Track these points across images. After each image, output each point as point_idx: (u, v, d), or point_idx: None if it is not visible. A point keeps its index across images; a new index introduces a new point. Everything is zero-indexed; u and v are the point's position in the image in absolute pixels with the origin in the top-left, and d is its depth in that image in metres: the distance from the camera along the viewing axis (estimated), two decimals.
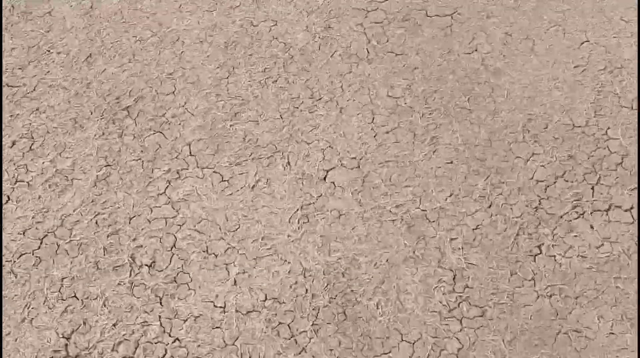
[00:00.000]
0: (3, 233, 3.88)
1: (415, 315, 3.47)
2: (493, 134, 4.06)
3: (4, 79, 4.57)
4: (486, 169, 3.93)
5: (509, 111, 4.13)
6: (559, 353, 3.29)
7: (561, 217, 3.70)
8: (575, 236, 3.64)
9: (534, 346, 3.33)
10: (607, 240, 3.60)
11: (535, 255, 3.60)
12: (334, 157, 4.08)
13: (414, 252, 3.68)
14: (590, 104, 4.08)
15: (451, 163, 3.98)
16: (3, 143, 4.26)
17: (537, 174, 3.88)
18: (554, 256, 3.59)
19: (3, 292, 3.66)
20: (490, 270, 3.58)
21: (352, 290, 3.58)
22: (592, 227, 3.65)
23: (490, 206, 3.81)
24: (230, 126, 4.27)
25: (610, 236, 3.60)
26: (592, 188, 3.78)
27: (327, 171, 4.03)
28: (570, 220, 3.69)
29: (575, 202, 3.74)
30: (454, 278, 3.57)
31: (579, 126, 4.01)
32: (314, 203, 3.92)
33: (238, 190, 4.00)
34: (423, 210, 3.83)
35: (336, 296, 3.57)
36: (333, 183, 3.98)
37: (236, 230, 3.85)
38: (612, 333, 3.33)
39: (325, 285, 3.60)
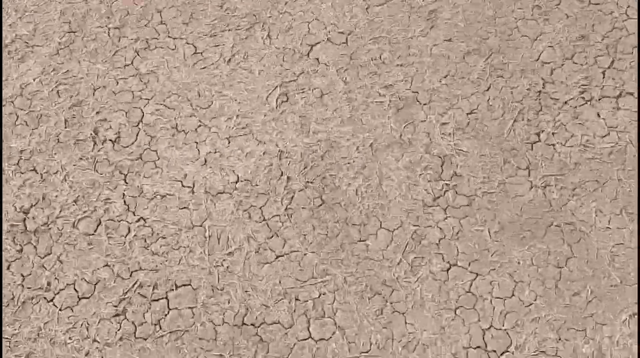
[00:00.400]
0: None
1: (396, 202, 3.21)
2: (499, 9, 3.62)
3: None
4: (487, 48, 3.53)
5: None
6: (549, 247, 3.05)
7: (566, 103, 3.34)
8: (580, 123, 3.29)
9: (521, 238, 3.08)
10: (614, 129, 3.26)
11: (533, 143, 3.28)
12: (320, 31, 3.68)
13: (400, 136, 3.37)
14: None
15: (449, 40, 3.58)
16: None
17: (544, 55, 3.48)
18: (554, 144, 3.26)
19: None
20: (482, 157, 3.27)
21: (331, 175, 3.30)
22: (598, 115, 3.30)
23: (488, 88, 3.44)
24: None
25: (618, 126, 3.26)
26: (603, 73, 3.39)
27: (312, 46, 3.64)
28: (576, 106, 3.33)
29: (583, 87, 3.37)
30: (441, 165, 3.28)
31: (596, 3, 3.55)
32: (295, 80, 3.56)
33: (212, 64, 3.63)
34: (414, 92, 3.48)
35: (313, 180, 3.30)
36: (317, 59, 3.61)
37: (209, 106, 3.52)
38: (609, 228, 3.07)
39: (303, 168, 3.33)
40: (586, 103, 3.33)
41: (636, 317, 2.89)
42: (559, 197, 3.15)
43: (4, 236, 3.22)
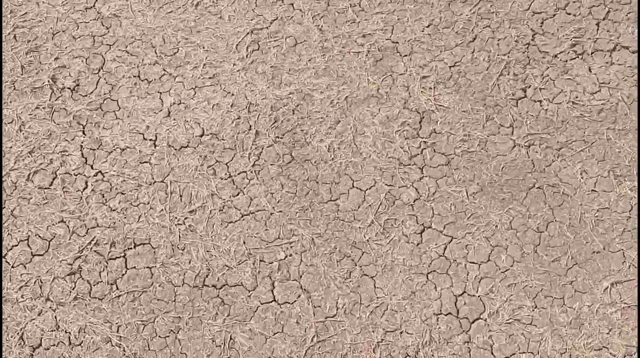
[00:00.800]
0: None
1: (371, 160, 3.01)
2: None
3: None
4: None
5: None
6: (529, 210, 2.87)
7: (556, 56, 3.11)
8: (569, 79, 3.07)
9: (500, 200, 2.90)
10: (606, 85, 3.03)
11: (519, 99, 3.06)
12: None
13: (377, 90, 3.14)
14: None
15: None
16: None
17: (535, 4, 3.22)
18: (540, 101, 3.05)
19: None
20: (464, 113, 3.06)
21: (302, 130, 3.10)
22: (590, 70, 3.07)
23: (474, 39, 3.20)
24: None
25: (610, 82, 3.04)
26: (598, 24, 3.15)
27: None
28: (566, 60, 3.10)
29: (575, 39, 3.13)
30: (420, 122, 3.07)
31: None
32: (267, 27, 3.32)
33: (179, 7, 3.38)
34: (394, 42, 3.24)
35: (283, 135, 3.09)
36: (292, 4, 3.35)
37: (174, 54, 3.29)
38: (595, 191, 2.88)
39: (272, 122, 3.12)
40: (577, 57, 3.09)
41: (618, 285, 2.73)
42: (543, 157, 2.95)
43: None
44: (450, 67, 3.15)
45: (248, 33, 3.31)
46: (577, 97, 3.02)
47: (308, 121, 3.11)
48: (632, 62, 3.03)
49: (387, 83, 3.15)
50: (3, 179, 3.05)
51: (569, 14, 3.17)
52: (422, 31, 3.24)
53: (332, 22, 3.30)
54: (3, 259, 2.91)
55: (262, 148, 3.08)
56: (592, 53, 3.08)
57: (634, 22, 3.09)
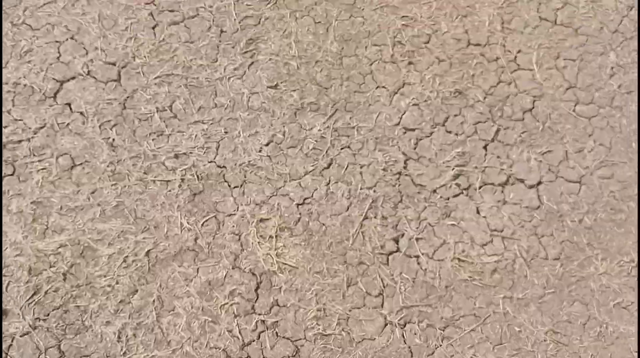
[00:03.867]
0: None
1: (183, 353, 2.03)
2: (346, 44, 2.51)
3: None
4: (330, 102, 2.42)
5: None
6: None
7: (435, 191, 2.33)
8: (453, 224, 2.30)
9: None
10: (499, 234, 2.30)
11: (389, 254, 2.24)
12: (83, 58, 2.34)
13: (195, 240, 2.17)
14: (496, 13, 2.62)
15: (275, 86, 2.41)
16: None
17: (407, 118, 2.43)
18: (417, 256, 2.25)
19: None
20: (316, 276, 2.18)
21: (77, 306, 2.04)
22: (478, 211, 2.33)
23: (329, 165, 2.34)
24: None
25: (504, 229, 2.31)
26: (485, 147, 2.42)
27: (62, 83, 2.30)
28: (448, 198, 2.33)
29: (458, 168, 2.37)
30: (256, 289, 2.14)
31: (477, 44, 2.57)
32: (29, 138, 2.21)
33: None
34: (220, 166, 2.29)
35: (48, 315, 2.01)
36: (69, 104, 2.27)
37: None
38: None
39: (31, 295, 2.02)
40: (462, 193, 2.34)
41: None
42: (424, 341, 2.14)
43: None
44: (298, 205, 2.26)
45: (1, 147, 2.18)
46: (463, 252, 2.25)
47: (88, 292, 2.06)
48: (530, 201, 2.33)
49: (209, 229, 2.19)
50: None
51: (450, 131, 2.42)
52: (260, 151, 2.31)
53: (130, 134, 2.27)
54: None
55: (14, 338, 1.97)
56: (479, 187, 2.34)
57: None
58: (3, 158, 2.18)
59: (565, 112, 2.47)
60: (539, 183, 2.37)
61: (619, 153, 2.42)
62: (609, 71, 2.54)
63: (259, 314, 2.12)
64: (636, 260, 2.26)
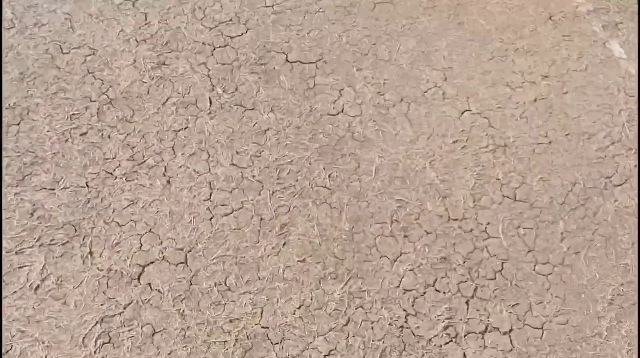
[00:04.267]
0: None
1: None
2: (355, 222, 3.29)
3: None
4: (345, 270, 3.16)
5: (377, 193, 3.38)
6: None
7: (430, 340, 3.02)
8: None
9: None
10: None
11: None
12: (155, 247, 3.12)
13: None
14: (469, 194, 3.42)
15: (303, 260, 3.17)
16: None
17: (405, 281, 3.16)
18: None
19: None
20: None
21: None
22: (465, 356, 3.01)
23: (347, 322, 3.05)
24: (15, 194, 3.15)
25: None
26: (467, 302, 3.14)
27: (144, 267, 3.06)
28: (441, 345, 3.02)
29: (447, 321, 3.08)
30: None
31: (455, 219, 3.35)
32: (120, 313, 2.94)
33: (15, 291, 2.92)
34: (264, 327, 2.99)
35: None
36: (149, 284, 3.02)
37: (7, 352, 2.78)
38: None
39: None
40: (451, 340, 3.03)
41: None
42: None
43: None
44: (325, 356, 2.94)
45: (98, 322, 2.90)
46: None
47: None
48: (504, 345, 3.01)
49: None
50: None
51: (439, 290, 3.14)
52: (294, 313, 3.03)
53: (195, 305, 3.00)
54: None
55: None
56: (465, 335, 3.03)
57: (501, 299, 3.12)
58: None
59: (527, 271, 3.20)
60: (511, 330, 3.06)
61: (571, 303, 3.13)
62: (559, 236, 3.30)
63: None
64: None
